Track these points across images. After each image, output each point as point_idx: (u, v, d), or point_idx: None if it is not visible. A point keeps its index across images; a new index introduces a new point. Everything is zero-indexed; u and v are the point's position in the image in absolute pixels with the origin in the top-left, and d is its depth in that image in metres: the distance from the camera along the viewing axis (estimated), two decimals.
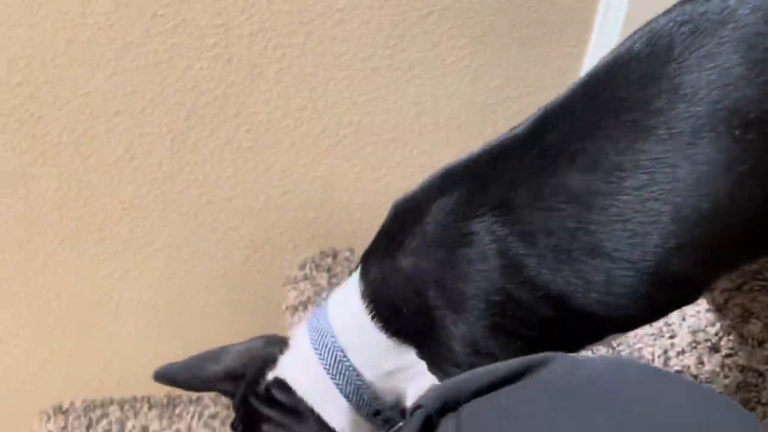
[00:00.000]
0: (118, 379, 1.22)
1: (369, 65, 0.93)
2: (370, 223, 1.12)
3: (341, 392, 0.66)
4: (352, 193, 1.07)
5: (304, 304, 1.06)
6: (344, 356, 0.66)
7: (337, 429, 0.67)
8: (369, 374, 0.65)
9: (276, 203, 1.06)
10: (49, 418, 1.19)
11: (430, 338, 0.62)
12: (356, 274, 0.66)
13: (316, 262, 1.12)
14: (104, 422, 1.19)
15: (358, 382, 0.66)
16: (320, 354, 0.66)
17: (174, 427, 1.18)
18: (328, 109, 0.97)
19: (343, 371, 0.66)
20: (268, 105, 0.96)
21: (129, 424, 1.18)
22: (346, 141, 1.01)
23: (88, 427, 1.18)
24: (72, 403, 1.21)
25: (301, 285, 1.08)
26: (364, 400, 0.66)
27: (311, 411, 0.67)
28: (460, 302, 0.59)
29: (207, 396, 1.23)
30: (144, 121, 0.94)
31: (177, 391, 1.24)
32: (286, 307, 1.07)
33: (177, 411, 1.21)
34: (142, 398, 1.22)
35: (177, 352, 1.22)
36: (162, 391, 1.24)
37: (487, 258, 0.57)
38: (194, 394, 1.22)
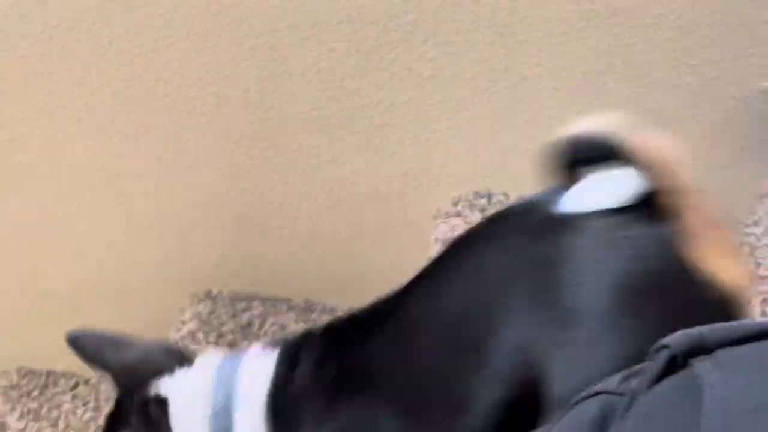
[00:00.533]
0: (264, 277, 1.31)
1: (569, 7, 0.91)
2: (531, 170, 1.12)
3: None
4: (521, 137, 1.06)
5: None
6: (231, 411, 0.69)
7: None
8: None
9: (443, 135, 1.07)
10: (199, 301, 1.30)
11: None
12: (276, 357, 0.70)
13: (470, 200, 1.13)
14: (247, 314, 1.28)
15: None
16: (215, 394, 0.69)
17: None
18: (517, 47, 0.96)
19: (225, 419, 0.69)
20: (458, 36, 0.96)
21: (269, 320, 1.27)
22: (527, 83, 1.00)
23: (233, 315, 1.27)
24: (220, 292, 1.31)
25: (453, 221, 1.10)
26: None
27: None
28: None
29: (340, 308, 1.30)
30: (336, 36, 0.97)
31: (315, 297, 1.32)
32: (435, 239, 1.10)
33: (312, 316, 1.28)
34: (283, 299, 1.31)
35: (320, 263, 1.29)
36: (301, 296, 1.31)
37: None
38: (330, 304, 1.29)
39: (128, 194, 1.19)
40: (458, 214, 1.11)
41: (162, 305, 1.33)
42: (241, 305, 1.29)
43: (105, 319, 1.36)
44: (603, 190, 0.52)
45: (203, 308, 1.28)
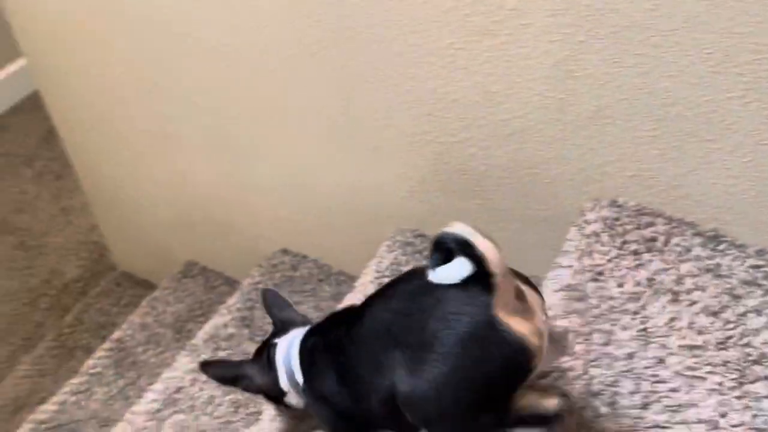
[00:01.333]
0: (672, 198, 1.32)
1: None
2: None
3: (287, 377, 1.15)
4: None
5: None
6: (291, 361, 1.14)
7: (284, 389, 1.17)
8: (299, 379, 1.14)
9: None
10: (602, 207, 1.37)
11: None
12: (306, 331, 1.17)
13: None
14: (651, 229, 1.32)
15: (293, 379, 1.14)
16: (287, 350, 1.15)
17: (715, 261, 1.25)
18: None
19: (289, 365, 1.14)
20: None
21: (674, 240, 1.30)
22: None
23: (638, 227, 1.32)
24: (626, 202, 1.37)
25: None
26: (295, 392, 1.16)
27: (276, 374, 1.15)
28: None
29: (749, 247, 1.27)
30: None
31: (724, 230, 1.30)
32: None
33: (720, 247, 1.28)
34: (689, 222, 1.32)
35: (735, 197, 1.26)
36: (709, 225, 1.31)
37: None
38: (740, 241, 1.27)
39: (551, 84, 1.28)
40: None
41: (565, 203, 1.43)
42: (646, 219, 1.33)
43: (511, 200, 1.51)
44: (456, 270, 0.86)
45: (608, 214, 1.35)
